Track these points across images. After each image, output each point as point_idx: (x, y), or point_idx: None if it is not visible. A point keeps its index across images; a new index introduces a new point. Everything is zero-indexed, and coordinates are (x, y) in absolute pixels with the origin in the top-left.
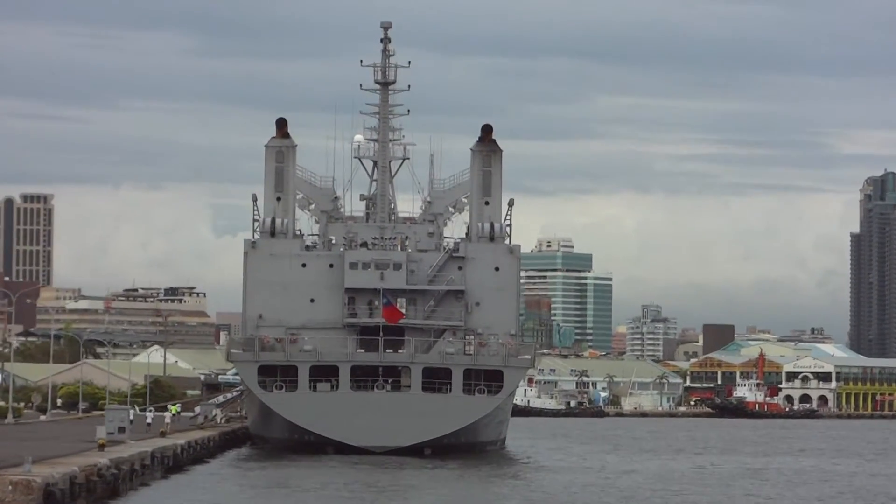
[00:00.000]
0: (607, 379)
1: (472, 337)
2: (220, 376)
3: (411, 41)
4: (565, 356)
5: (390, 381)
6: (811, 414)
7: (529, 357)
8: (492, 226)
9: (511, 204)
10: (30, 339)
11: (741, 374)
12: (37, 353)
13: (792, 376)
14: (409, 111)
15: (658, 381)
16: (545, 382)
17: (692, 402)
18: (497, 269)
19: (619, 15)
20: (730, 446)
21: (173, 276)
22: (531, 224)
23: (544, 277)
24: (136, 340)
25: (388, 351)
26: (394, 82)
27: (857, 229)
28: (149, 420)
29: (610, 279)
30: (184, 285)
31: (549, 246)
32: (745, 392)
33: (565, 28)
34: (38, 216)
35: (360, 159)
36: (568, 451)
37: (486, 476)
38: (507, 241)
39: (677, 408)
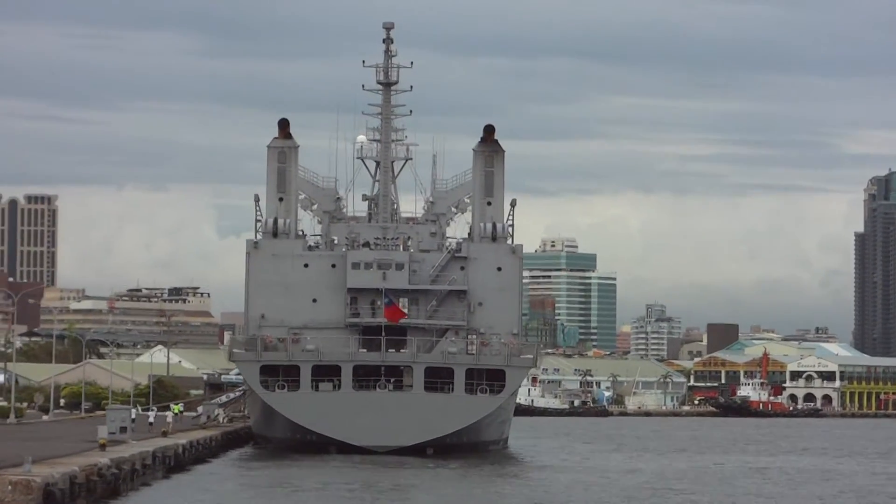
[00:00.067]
0: (611, 378)
1: (474, 337)
2: (223, 376)
3: (413, 42)
4: (569, 356)
5: (392, 380)
6: (815, 413)
7: (532, 357)
8: (494, 226)
9: (513, 204)
10: (33, 339)
11: (745, 373)
12: (40, 354)
13: (796, 375)
14: (411, 111)
15: (662, 380)
16: (549, 382)
17: (696, 402)
18: (499, 269)
19: (619, 15)
20: (733, 445)
21: (177, 277)
22: (535, 224)
23: (548, 277)
24: (140, 340)
25: (390, 351)
26: (396, 83)
27: (861, 229)
28: (151, 420)
29: (614, 279)
30: (188, 286)
31: (553, 246)
32: (749, 391)
33: (566, 28)
34: (43, 217)
35: (362, 160)
36: (571, 450)
37: (489, 476)
38: (509, 241)
39: (681, 407)
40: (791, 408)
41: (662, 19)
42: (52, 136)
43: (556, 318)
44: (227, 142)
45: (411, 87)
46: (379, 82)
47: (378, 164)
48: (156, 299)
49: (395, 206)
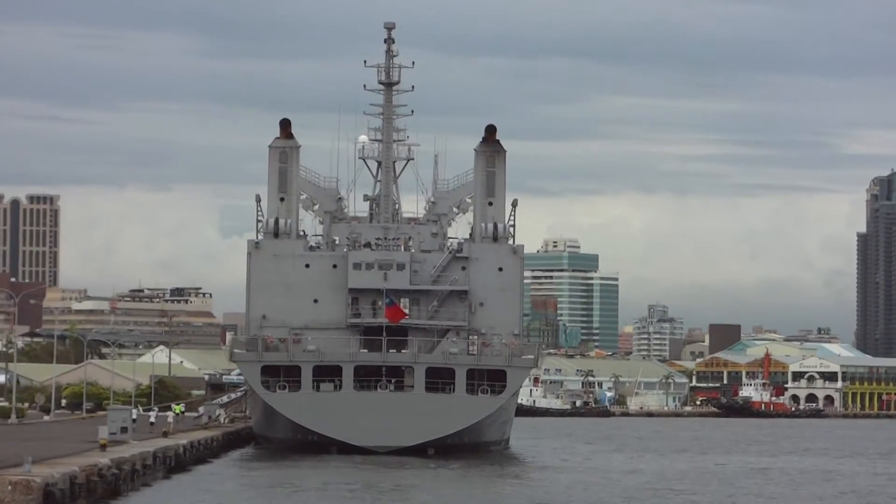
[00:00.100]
0: (613, 379)
1: (475, 337)
2: (224, 376)
3: (414, 42)
4: (571, 356)
5: (393, 381)
6: (817, 414)
7: (533, 357)
8: (495, 226)
9: (515, 204)
10: (35, 339)
11: (747, 373)
12: (42, 354)
13: (798, 376)
14: (412, 112)
15: (664, 380)
16: (551, 382)
17: (698, 402)
18: (500, 269)
19: (619, 15)
20: (735, 446)
21: (180, 277)
22: (537, 224)
23: (550, 278)
24: (142, 341)
25: (391, 351)
26: (397, 83)
27: (863, 229)
28: (152, 419)
29: (616, 279)
30: (190, 286)
31: (555, 246)
32: (751, 392)
33: (568, 28)
34: (45, 217)
35: (364, 160)
36: (572, 450)
37: (489, 476)
38: (510, 242)
39: (683, 407)
40: (793, 408)
41: (662, 19)
42: (53, 136)
43: (559, 318)
44: (229, 142)
45: (413, 87)
46: (380, 82)
47: (379, 164)
48: (158, 300)
49: (397, 206)
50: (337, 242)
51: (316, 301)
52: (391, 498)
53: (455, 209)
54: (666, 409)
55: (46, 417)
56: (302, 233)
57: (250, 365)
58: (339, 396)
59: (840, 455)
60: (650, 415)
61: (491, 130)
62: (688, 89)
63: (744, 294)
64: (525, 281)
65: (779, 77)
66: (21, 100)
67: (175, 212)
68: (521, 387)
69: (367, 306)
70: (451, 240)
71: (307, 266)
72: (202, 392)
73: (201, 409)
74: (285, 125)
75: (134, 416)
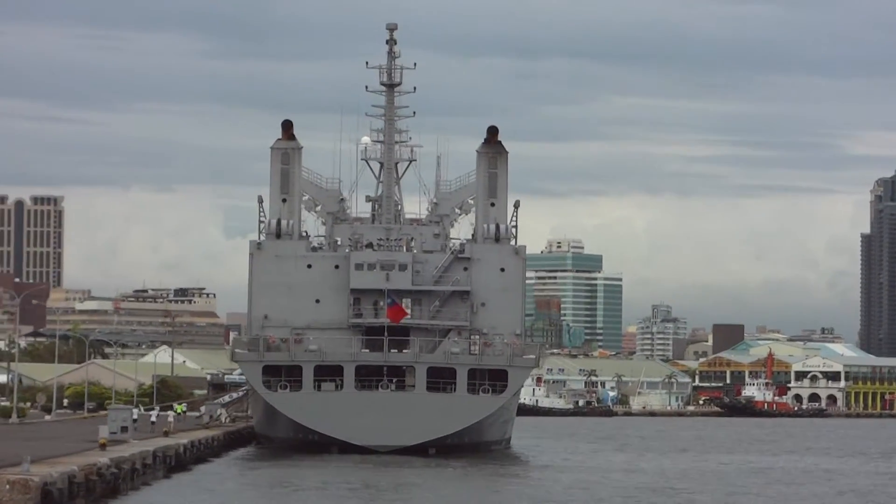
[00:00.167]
0: (616, 378)
1: (477, 337)
2: (226, 376)
3: (415, 42)
4: (574, 356)
5: (395, 380)
6: (820, 413)
7: (534, 357)
8: (497, 227)
9: (517, 205)
10: (38, 339)
11: (750, 373)
12: (45, 354)
13: (801, 375)
14: (414, 113)
15: (667, 380)
16: (554, 382)
17: (701, 402)
18: (502, 269)
19: (619, 15)
20: (737, 445)
21: (184, 278)
22: (541, 225)
23: (554, 278)
24: (145, 341)
25: (392, 351)
26: (399, 84)
27: (867, 230)
28: (153, 419)
29: (620, 280)
30: (194, 286)
31: (559, 247)
32: (754, 391)
33: (568, 28)
34: (49, 218)
35: (366, 161)
36: (574, 450)
37: (490, 475)
38: (512, 242)
39: (686, 407)
40: (796, 408)
41: (662, 19)
42: (53, 136)
43: (562, 318)
44: (230, 143)
45: (414, 88)
46: (382, 84)
47: (382, 165)
48: (161, 300)
49: (399, 207)
50: (339, 243)
51: (318, 301)
52: (392, 498)
53: (457, 210)
54: (669, 408)
55: (47, 417)
56: (304, 234)
57: (252, 365)
58: (341, 396)
59: (842, 455)
60: (653, 414)
61: (493, 131)
62: (688, 89)
63: (747, 294)
64: (529, 281)
65: (779, 77)
66: (21, 100)
67: (179, 212)
68: (522, 386)
69: (368, 307)
70: (453, 241)
71: (309, 266)
72: (204, 392)
73: (203, 409)
74: (287, 126)
75: (135, 416)
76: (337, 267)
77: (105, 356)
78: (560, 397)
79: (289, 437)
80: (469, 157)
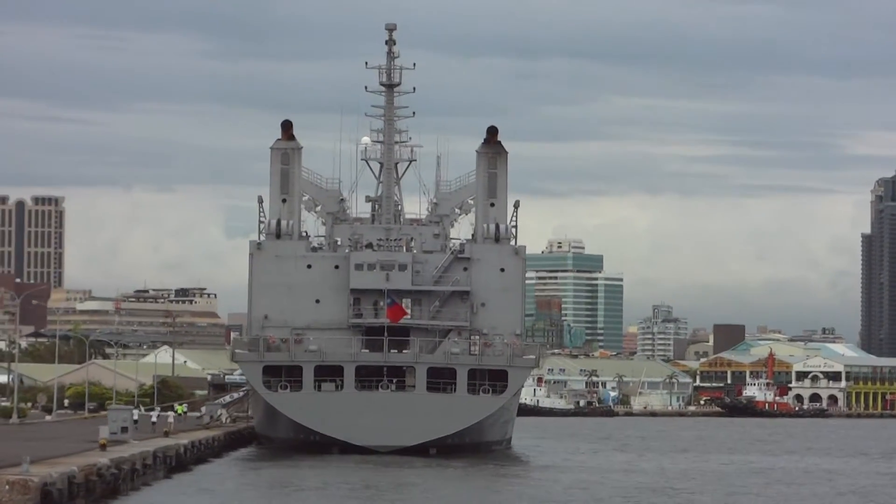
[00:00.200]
0: (617, 379)
1: (477, 337)
2: (227, 376)
3: (415, 43)
4: (575, 356)
5: (395, 381)
6: (821, 413)
7: (534, 357)
8: (497, 227)
9: (517, 205)
10: (39, 339)
11: (751, 373)
12: (46, 354)
13: (802, 376)
14: (414, 113)
15: (667, 380)
16: (554, 382)
17: (702, 402)
18: (502, 269)
19: (619, 15)
20: (737, 446)
21: (185, 278)
22: (542, 225)
23: (555, 278)
24: (146, 341)
25: (392, 351)
26: (399, 84)
27: (868, 230)
28: (153, 419)
29: (621, 280)
30: (195, 287)
31: (560, 247)
32: (755, 391)
33: (568, 28)
34: (50, 218)
35: (366, 161)
36: (574, 450)
37: (491, 476)
38: (512, 243)
39: (687, 407)
40: (797, 408)
41: (662, 19)
42: (53, 136)
43: (563, 318)
44: (230, 143)
45: (414, 88)
46: (382, 84)
47: (382, 165)
48: (162, 300)
49: (399, 207)
50: (339, 243)
51: (318, 301)
52: (392, 498)
53: (457, 210)
54: (670, 408)
55: (48, 417)
56: (304, 234)
57: (252, 365)
58: (341, 396)
59: (843, 455)
60: (654, 415)
61: (492, 132)
62: (688, 89)
63: (748, 294)
64: (529, 281)
65: (779, 77)
66: (21, 100)
67: (179, 213)
68: (522, 387)
69: (368, 307)
70: (453, 241)
71: (309, 267)
72: (205, 392)
73: (203, 409)
74: (287, 127)
75: (135, 417)
76: (337, 267)
77: (106, 356)
78: (561, 397)
79: (289, 437)
80: (469, 158)
